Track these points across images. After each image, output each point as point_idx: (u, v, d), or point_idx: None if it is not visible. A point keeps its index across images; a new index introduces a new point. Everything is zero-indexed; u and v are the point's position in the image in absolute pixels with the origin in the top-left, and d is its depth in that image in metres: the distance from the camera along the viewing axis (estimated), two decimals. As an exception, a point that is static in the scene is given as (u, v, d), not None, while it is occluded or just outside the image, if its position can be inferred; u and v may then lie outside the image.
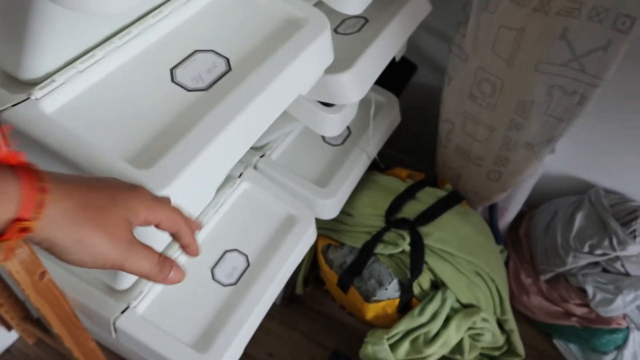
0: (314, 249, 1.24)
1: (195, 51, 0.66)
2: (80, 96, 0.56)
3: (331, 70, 0.83)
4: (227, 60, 0.66)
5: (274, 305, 1.38)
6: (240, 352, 0.89)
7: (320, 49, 0.70)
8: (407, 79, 1.47)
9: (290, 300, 1.38)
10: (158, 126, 0.56)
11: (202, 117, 0.57)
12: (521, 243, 1.51)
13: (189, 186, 0.52)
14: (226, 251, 0.96)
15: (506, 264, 1.48)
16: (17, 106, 0.52)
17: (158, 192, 0.49)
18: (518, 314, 1.44)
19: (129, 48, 0.62)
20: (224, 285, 0.92)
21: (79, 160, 0.50)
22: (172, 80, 0.62)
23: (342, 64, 0.85)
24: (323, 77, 0.83)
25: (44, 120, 0.51)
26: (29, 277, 0.74)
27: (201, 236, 0.96)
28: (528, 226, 1.53)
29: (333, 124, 0.93)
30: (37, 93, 0.53)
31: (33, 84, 0.54)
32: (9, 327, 1.24)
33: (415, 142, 1.51)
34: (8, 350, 1.27)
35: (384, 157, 1.35)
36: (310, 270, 1.32)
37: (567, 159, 1.43)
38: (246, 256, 0.96)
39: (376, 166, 1.26)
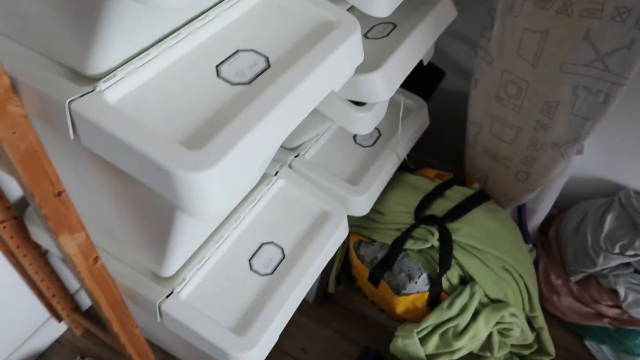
0: (345, 248, 1.29)
1: (238, 50, 0.72)
2: (138, 89, 0.63)
3: (362, 70, 0.89)
4: (267, 58, 0.72)
5: (307, 303, 1.43)
6: (276, 337, 0.95)
7: (350, 48, 0.76)
8: (435, 84, 1.52)
9: (323, 298, 1.43)
10: (206, 115, 0.62)
11: (245, 107, 0.63)
12: (551, 245, 1.53)
13: (234, 166, 0.58)
14: (263, 243, 1.02)
15: (536, 265, 1.50)
16: (84, 97, 0.59)
17: (207, 170, 0.55)
18: (549, 315, 1.45)
19: (180, 48, 0.69)
20: (261, 275, 0.98)
21: (138, 143, 0.56)
22: (218, 75, 0.68)
23: (372, 64, 0.91)
24: (354, 77, 0.89)
25: (108, 108, 0.58)
26: (85, 260, 0.81)
27: (239, 229, 1.03)
28: (558, 228, 1.55)
29: (364, 122, 0.98)
30: (101, 85, 0.60)
31: (97, 79, 0.61)
32: (59, 318, 1.32)
33: (445, 146, 1.55)
34: (58, 341, 1.34)
35: (414, 161, 1.40)
36: (342, 269, 1.37)
37: (595, 161, 1.45)
38: (282, 248, 1.02)
39: (406, 167, 1.30)
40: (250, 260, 1.00)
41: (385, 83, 0.91)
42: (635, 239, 1.34)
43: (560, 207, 1.58)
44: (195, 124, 0.61)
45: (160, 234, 0.81)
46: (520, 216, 1.42)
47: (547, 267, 1.49)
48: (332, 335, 1.38)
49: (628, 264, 1.37)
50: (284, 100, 0.65)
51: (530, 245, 1.41)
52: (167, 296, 0.91)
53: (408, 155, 1.52)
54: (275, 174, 1.11)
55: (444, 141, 1.55)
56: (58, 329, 1.34)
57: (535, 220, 1.50)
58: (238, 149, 0.58)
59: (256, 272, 0.98)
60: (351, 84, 0.89)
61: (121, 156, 0.58)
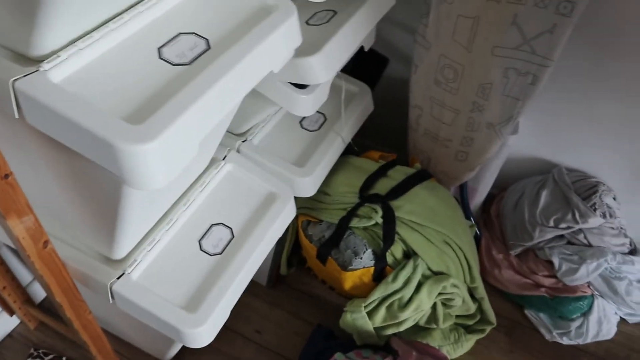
0: (295, 232, 1.33)
1: (179, 33, 0.75)
2: (82, 69, 0.66)
3: (302, 54, 0.93)
4: (207, 40, 0.75)
5: (260, 286, 1.47)
6: (227, 313, 0.98)
7: (288, 30, 0.80)
8: (380, 71, 1.57)
9: (276, 281, 1.47)
10: (148, 93, 0.65)
11: (185, 85, 0.66)
12: (492, 222, 1.61)
13: (174, 140, 0.61)
14: (212, 225, 1.05)
15: (478, 241, 1.58)
16: (28, 76, 0.61)
17: (148, 143, 0.58)
18: (491, 288, 1.53)
19: (122, 31, 0.71)
20: (211, 255, 1.01)
21: (82, 119, 0.59)
22: (160, 57, 0.71)
23: (312, 48, 0.95)
24: (294, 60, 0.93)
25: (52, 87, 0.61)
26: (34, 244, 0.82)
27: (189, 212, 1.05)
28: (498, 206, 1.63)
29: (305, 104, 1.02)
30: (45, 66, 0.62)
31: (41, 60, 0.63)
32: (11, 312, 1.32)
33: (391, 131, 1.61)
34: (10, 335, 1.34)
35: (361, 146, 1.45)
36: (293, 252, 1.41)
37: (531, 141, 1.53)
38: (231, 229, 1.05)
39: (351, 150, 1.35)
40: (200, 240, 1.03)
41: (323, 66, 0.96)
42: (567, 212, 1.43)
43: (501, 187, 1.66)
44: (138, 101, 0.64)
45: (109, 216, 0.83)
46: (462, 194, 1.49)
47: (489, 243, 1.57)
48: (285, 316, 1.43)
49: (562, 236, 1.46)
50: (223, 78, 0.68)
51: (471, 222, 1.49)
52: (119, 277, 0.93)
53: (356, 142, 1.57)
54: (224, 158, 1.14)
55: (390, 126, 1.61)
56: (10, 323, 1.34)
57: (477, 199, 1.57)
58: (178, 123, 0.61)
59: (206, 252, 1.01)
60: (291, 67, 0.93)
61: (66, 133, 0.61)
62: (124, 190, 0.71)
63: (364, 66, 1.58)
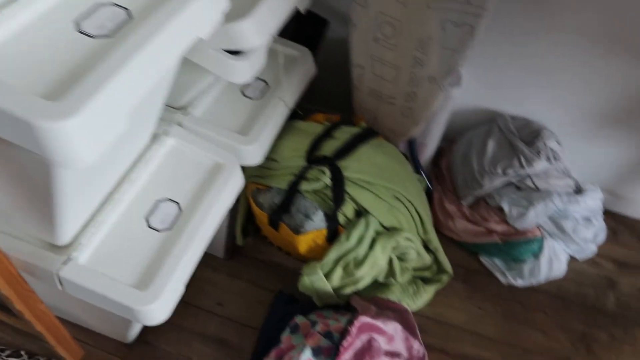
0: (246, 201, 1.32)
1: (98, 5, 0.72)
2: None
3: (232, 18, 0.91)
4: (128, 10, 0.72)
5: (218, 259, 1.47)
6: (180, 288, 0.97)
7: (212, -6, 0.77)
8: (321, 34, 1.55)
9: (233, 252, 1.47)
10: (67, 68, 0.62)
11: (106, 58, 0.64)
12: (443, 175, 1.64)
13: (97, 114, 0.59)
14: (159, 201, 1.04)
15: (431, 195, 1.60)
16: None
17: (68, 119, 0.56)
18: (446, 239, 1.57)
19: (36, 6, 0.68)
20: (159, 231, 1.00)
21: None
22: (78, 30, 0.68)
23: (242, 12, 0.93)
24: (225, 26, 0.91)
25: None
26: (-28, 237, 0.80)
27: (134, 190, 1.03)
28: (448, 159, 1.66)
29: (242, 71, 1.01)
30: None
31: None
32: (-39, 310, 1.28)
33: (337, 93, 1.60)
34: (-37, 333, 1.30)
35: (308, 111, 1.44)
36: (248, 221, 1.40)
37: (475, 92, 1.55)
38: (178, 204, 1.04)
39: (297, 115, 1.34)
40: (147, 218, 1.01)
41: (255, 30, 0.94)
42: (514, 159, 1.46)
43: (449, 140, 1.69)
44: (56, 77, 0.61)
45: (45, 200, 0.80)
46: (411, 150, 1.50)
47: (441, 196, 1.59)
48: (246, 286, 1.43)
49: (510, 183, 1.50)
50: (145, 48, 0.66)
51: (423, 175, 1.51)
52: (65, 263, 0.91)
53: (302, 106, 1.56)
54: (166, 133, 1.11)
55: (336, 88, 1.60)
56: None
57: (427, 153, 1.59)
58: (99, 97, 0.59)
59: (154, 228, 1.00)
60: (222, 33, 0.91)
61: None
62: (54, 172, 0.69)
63: (303, 30, 1.56)
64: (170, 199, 1.05)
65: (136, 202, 1.03)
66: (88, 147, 0.60)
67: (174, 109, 1.17)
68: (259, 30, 0.95)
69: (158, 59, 0.69)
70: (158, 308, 0.92)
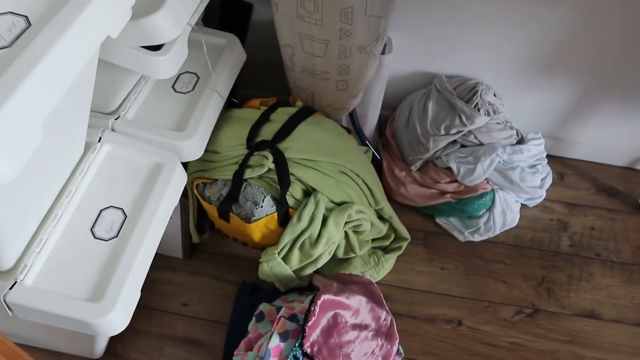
0: (195, 197, 1.31)
1: (-8, 15, 0.69)
2: None
3: (144, 13, 0.89)
4: (26, 17, 0.69)
5: (178, 260, 1.45)
6: (136, 294, 0.96)
7: (115, -10, 0.75)
8: (246, 19, 1.53)
9: (192, 250, 1.45)
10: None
11: (6, 70, 0.61)
12: (390, 143, 1.65)
13: (5, 128, 0.57)
14: (102, 210, 1.01)
15: (380, 164, 1.61)
16: None
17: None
18: (401, 206, 1.58)
19: None
20: (107, 240, 0.98)
21: None
22: (-27, 46, 0.65)
23: (154, 5, 0.90)
24: (137, 22, 0.88)
25: None
26: None
27: (74, 203, 1.00)
28: (392, 126, 1.67)
29: (164, 66, 0.98)
30: None
31: None
32: None
33: (272, 76, 1.59)
34: None
35: (245, 98, 1.42)
36: (201, 218, 1.39)
37: (408, 56, 1.56)
38: (122, 209, 1.02)
39: (233, 104, 1.33)
40: (92, 229, 0.99)
41: (170, 22, 0.91)
42: (455, 117, 1.48)
43: (391, 107, 1.70)
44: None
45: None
46: (354, 122, 1.51)
47: (390, 164, 1.60)
48: (209, 282, 1.42)
49: (454, 142, 1.52)
50: (48, 54, 0.64)
51: (369, 146, 1.52)
52: (11, 288, 0.89)
53: (239, 94, 1.54)
54: (99, 140, 1.09)
55: (270, 71, 1.58)
56: None
57: (370, 124, 1.60)
58: (5, 111, 0.57)
59: (101, 238, 0.98)
60: (135, 29, 0.88)
61: None
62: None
63: (229, 16, 1.54)
64: (114, 206, 1.02)
65: (79, 214, 1.00)
66: (2, 163, 0.58)
67: (105, 114, 1.14)
68: (174, 22, 0.93)
69: (64, 63, 0.67)
70: (116, 317, 0.90)
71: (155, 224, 1.01)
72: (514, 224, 1.55)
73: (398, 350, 1.20)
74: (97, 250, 0.96)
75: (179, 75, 1.26)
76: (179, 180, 1.10)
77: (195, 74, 1.26)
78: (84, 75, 0.80)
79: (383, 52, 1.40)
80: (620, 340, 1.38)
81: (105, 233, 0.99)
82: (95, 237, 0.98)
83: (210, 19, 1.48)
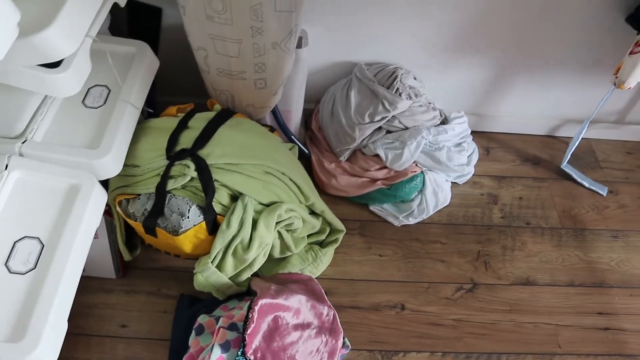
0: (122, 218, 1.26)
1: None
2: None
3: (35, 29, 0.83)
4: None
5: (111, 280, 1.39)
6: (63, 324, 0.91)
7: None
8: (156, 24, 1.48)
9: (124, 269, 1.39)
10: None
11: None
12: (317, 136, 1.64)
13: None
14: (15, 241, 0.95)
15: (309, 159, 1.60)
16: None
17: None
18: (334, 198, 1.58)
19: None
20: (24, 274, 0.92)
21: None
22: None
23: (45, 19, 0.85)
24: (27, 39, 0.83)
25: None
26: None
27: (-17, 237, 0.94)
28: (317, 119, 1.66)
29: (66, 83, 0.93)
30: None
31: None
32: None
33: (190, 81, 1.54)
34: None
35: (165, 106, 1.37)
36: (130, 234, 1.33)
37: (325, 48, 1.55)
38: (38, 238, 0.96)
39: (149, 114, 1.28)
40: (6, 263, 0.93)
41: (64, 36, 0.86)
42: (377, 104, 1.48)
43: (315, 100, 1.69)
44: None
45: None
46: (277, 119, 1.49)
47: (319, 157, 1.60)
48: (146, 299, 1.37)
49: (379, 128, 1.53)
50: None
51: (297, 142, 1.50)
52: None
53: (154, 103, 1.49)
54: (6, 168, 1.02)
55: (187, 76, 1.54)
56: None
57: (294, 120, 1.58)
58: None
59: (17, 272, 0.92)
60: (27, 47, 0.83)
61: None
62: None
63: (138, 23, 1.48)
64: (29, 236, 0.97)
65: (-12, 248, 0.94)
66: None
67: (10, 139, 1.07)
68: (70, 35, 0.88)
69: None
70: (41, 354, 0.85)
71: (77, 248, 0.97)
72: (447, 203, 1.57)
73: (344, 343, 1.20)
74: (14, 286, 0.91)
75: (89, 89, 1.20)
76: (99, 199, 1.05)
77: (106, 86, 1.21)
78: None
79: (299, 46, 1.38)
80: (555, 302, 1.43)
81: (22, 266, 0.93)
82: (10, 272, 0.92)
83: (119, 27, 1.42)
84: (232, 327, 1.08)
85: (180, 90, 1.58)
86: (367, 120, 1.49)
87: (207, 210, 1.12)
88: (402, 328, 1.35)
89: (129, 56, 1.27)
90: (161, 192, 1.12)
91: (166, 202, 1.13)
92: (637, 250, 1.56)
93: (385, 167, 1.52)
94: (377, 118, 1.49)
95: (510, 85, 1.68)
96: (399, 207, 1.55)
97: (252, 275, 1.24)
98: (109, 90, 1.21)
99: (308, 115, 1.70)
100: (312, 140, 1.65)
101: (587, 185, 1.70)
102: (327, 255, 1.39)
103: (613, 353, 1.35)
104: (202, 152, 1.15)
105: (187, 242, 1.14)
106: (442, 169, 1.53)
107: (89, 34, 0.99)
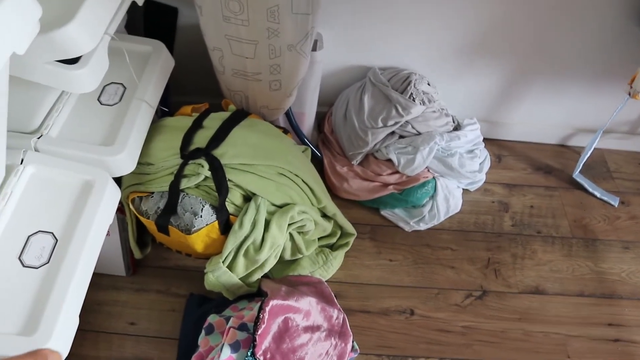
0: (134, 214, 1.26)
1: None
2: None
3: (55, 25, 0.84)
4: None
5: (122, 278, 1.40)
6: (74, 319, 0.91)
7: (15, 2, 0.70)
8: (172, 24, 1.49)
9: (134, 267, 1.40)
10: None
11: None
12: (329, 140, 1.64)
13: None
14: (29, 236, 0.96)
15: (321, 162, 1.60)
16: None
17: None
18: (345, 201, 1.58)
19: None
20: (37, 268, 0.92)
21: None
22: None
23: (66, 16, 0.86)
24: (48, 35, 0.83)
25: None
26: None
27: (-2, 230, 0.95)
28: (330, 123, 1.66)
29: (84, 80, 0.94)
30: None
31: None
32: None
33: (204, 82, 1.55)
34: None
35: (179, 106, 1.38)
36: (142, 232, 1.34)
37: (340, 51, 1.55)
38: (52, 233, 0.97)
39: (164, 113, 1.28)
40: (20, 257, 0.93)
41: (84, 33, 0.87)
42: (391, 109, 1.48)
43: (328, 104, 1.69)
44: None
45: None
46: (291, 121, 1.49)
47: (331, 160, 1.60)
48: (156, 298, 1.37)
49: (392, 133, 1.52)
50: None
51: (309, 144, 1.50)
52: None
53: (169, 102, 1.50)
54: (22, 162, 1.03)
55: (202, 76, 1.54)
56: None
57: (308, 122, 1.58)
58: None
59: (31, 266, 0.92)
60: (47, 43, 0.84)
61: None
62: None
63: (154, 22, 1.49)
64: (43, 231, 0.97)
65: (4, 243, 0.95)
66: None
67: (26, 134, 1.08)
68: (90, 32, 0.89)
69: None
70: (53, 347, 0.85)
71: (89, 244, 0.97)
72: (458, 210, 1.57)
73: (353, 347, 1.20)
74: (28, 280, 0.91)
75: (104, 87, 1.20)
76: (112, 196, 1.05)
77: (122, 84, 1.21)
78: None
79: (314, 49, 1.39)
80: (565, 312, 1.42)
81: (35, 260, 0.93)
82: (24, 266, 0.92)
83: (135, 26, 1.42)
84: (242, 327, 1.07)
85: (195, 91, 1.59)
86: (380, 124, 1.49)
87: (220, 210, 1.12)
88: (410, 333, 1.35)
89: (145, 55, 1.28)
90: (174, 190, 1.12)
91: (179, 200, 1.13)
92: (649, 261, 1.55)
93: (397, 172, 1.52)
94: (390, 123, 1.49)
95: (523, 93, 1.68)
96: (410, 213, 1.55)
97: (262, 277, 1.24)
98: (125, 88, 1.21)
99: (321, 118, 1.71)
100: (325, 143, 1.65)
101: (598, 195, 1.70)
102: (337, 259, 1.39)
103: (623, 365, 1.34)
104: (216, 152, 1.15)
105: (199, 241, 1.14)
106: (454, 175, 1.52)
107: (107, 32, 1.00)
